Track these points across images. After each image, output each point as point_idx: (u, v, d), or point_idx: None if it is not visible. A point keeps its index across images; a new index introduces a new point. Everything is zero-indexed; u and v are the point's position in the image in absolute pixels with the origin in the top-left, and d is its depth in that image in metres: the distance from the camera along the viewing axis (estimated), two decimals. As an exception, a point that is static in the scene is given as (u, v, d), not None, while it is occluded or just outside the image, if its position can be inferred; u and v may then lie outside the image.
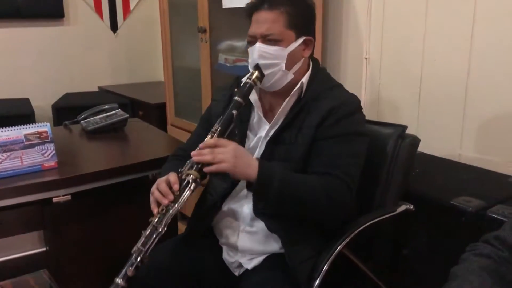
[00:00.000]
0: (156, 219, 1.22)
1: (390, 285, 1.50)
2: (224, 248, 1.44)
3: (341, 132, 1.30)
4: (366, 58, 2.14)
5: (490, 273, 0.92)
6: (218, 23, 2.38)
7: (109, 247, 1.63)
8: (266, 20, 1.33)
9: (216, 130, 1.28)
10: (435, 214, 1.50)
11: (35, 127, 1.55)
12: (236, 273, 1.41)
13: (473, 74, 1.77)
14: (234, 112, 1.30)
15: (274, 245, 1.36)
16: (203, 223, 1.46)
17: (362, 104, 1.45)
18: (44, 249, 1.64)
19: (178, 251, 1.46)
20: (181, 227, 1.97)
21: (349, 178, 1.27)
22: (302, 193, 1.25)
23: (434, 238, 1.54)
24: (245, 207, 1.38)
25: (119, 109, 2.16)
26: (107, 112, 2.15)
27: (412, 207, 1.48)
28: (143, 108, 3.10)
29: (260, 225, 1.35)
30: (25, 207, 1.56)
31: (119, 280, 1.19)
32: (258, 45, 1.33)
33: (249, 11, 1.38)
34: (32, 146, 1.53)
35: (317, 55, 2.19)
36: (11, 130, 1.51)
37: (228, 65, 2.31)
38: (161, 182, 1.26)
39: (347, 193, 1.27)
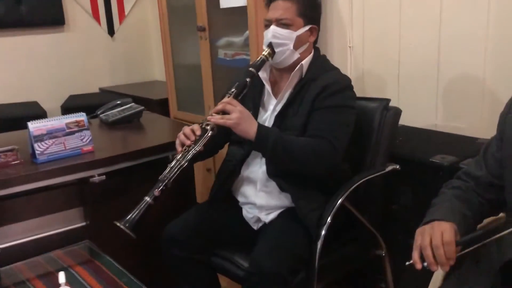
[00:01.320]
0: (180, 155, 1.50)
1: (383, 233, 1.79)
2: (244, 207, 1.71)
3: (332, 104, 1.58)
4: (350, 47, 2.43)
5: (459, 198, 1.21)
6: (216, 22, 2.62)
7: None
8: (281, 7, 1.61)
9: (232, 92, 1.56)
10: (417, 172, 1.79)
11: (73, 117, 1.79)
12: (255, 227, 1.68)
13: (442, 56, 2.06)
14: (248, 79, 1.58)
15: (286, 201, 1.64)
16: (225, 187, 1.73)
17: None
18: (84, 223, 1.88)
19: (204, 213, 1.73)
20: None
21: (336, 141, 1.55)
22: (293, 149, 1.53)
23: (417, 192, 1.83)
24: (260, 171, 1.65)
25: (133, 103, 2.40)
26: (122, 106, 2.39)
27: (398, 167, 1.76)
28: (146, 104, 3.31)
29: (273, 184, 1.63)
30: (68, 186, 1.80)
31: (147, 198, 1.46)
32: (273, 27, 1.61)
33: (268, 1, 1.66)
34: (72, 133, 1.77)
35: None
36: (55, 120, 1.75)
37: (228, 59, 2.56)
38: (186, 128, 1.55)
39: (332, 152, 1.54)
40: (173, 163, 1.50)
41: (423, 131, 2.13)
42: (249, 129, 1.50)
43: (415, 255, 1.09)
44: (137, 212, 1.45)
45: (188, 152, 1.50)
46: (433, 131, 2.12)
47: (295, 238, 1.54)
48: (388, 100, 1.80)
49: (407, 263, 1.11)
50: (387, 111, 1.79)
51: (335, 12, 2.44)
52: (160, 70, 3.83)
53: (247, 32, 2.35)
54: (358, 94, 2.38)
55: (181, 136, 1.54)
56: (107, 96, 3.62)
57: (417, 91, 2.18)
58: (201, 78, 2.76)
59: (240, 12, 2.34)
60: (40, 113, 3.10)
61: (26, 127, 1.84)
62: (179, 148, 1.53)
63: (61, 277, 1.22)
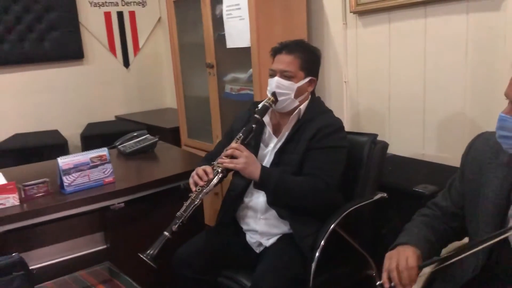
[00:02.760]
0: (194, 194, 1.72)
1: (373, 254, 1.98)
2: (247, 233, 1.92)
3: (326, 145, 1.79)
4: (345, 82, 2.65)
5: (426, 225, 1.41)
6: (223, 59, 2.86)
7: (153, 241, 2.06)
8: (285, 60, 1.83)
9: (240, 137, 1.78)
10: (402, 199, 1.98)
11: (96, 152, 2.02)
12: (257, 251, 1.88)
13: (428, 91, 2.28)
14: (254, 125, 1.80)
15: (284, 228, 1.84)
16: (229, 214, 1.94)
17: (344, 118, 1.94)
18: (105, 246, 2.10)
19: (211, 238, 1.93)
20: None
21: (329, 179, 1.76)
22: (293, 189, 1.74)
23: (404, 218, 2.01)
24: (261, 200, 1.86)
25: (148, 134, 2.64)
26: (138, 138, 2.62)
27: (385, 195, 1.96)
28: (159, 132, 3.55)
29: (273, 213, 1.84)
30: (91, 213, 2.03)
31: (166, 233, 1.68)
32: (277, 78, 1.83)
33: (274, 52, 1.89)
34: (96, 166, 2.00)
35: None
36: (81, 155, 1.98)
37: (234, 93, 2.80)
38: (199, 169, 1.77)
39: (327, 189, 1.75)
40: (188, 201, 1.72)
41: (411, 161, 2.33)
42: (254, 172, 1.72)
43: (384, 276, 1.29)
44: (157, 245, 1.67)
45: (201, 192, 1.72)
46: (420, 160, 2.32)
47: (292, 260, 1.74)
48: (375, 135, 2.01)
49: (377, 283, 1.30)
50: (375, 145, 1.99)
51: (332, 50, 2.68)
52: (171, 98, 4.08)
53: (251, 70, 2.59)
54: (353, 123, 2.63)
55: (194, 176, 1.76)
56: (123, 123, 3.88)
57: (406, 123, 2.40)
58: (210, 109, 2.99)
59: (244, 52, 2.58)
60: (61, 141, 3.37)
61: (49, 153, 2.07)
62: (193, 188, 1.75)
63: (89, 294, 1.42)
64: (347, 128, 2.59)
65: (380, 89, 2.48)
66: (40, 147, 3.22)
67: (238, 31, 2.59)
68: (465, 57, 2.09)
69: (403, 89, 2.38)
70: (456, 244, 1.43)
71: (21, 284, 1.60)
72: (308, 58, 1.85)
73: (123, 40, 4.07)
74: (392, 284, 1.27)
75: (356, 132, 2.10)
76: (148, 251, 1.66)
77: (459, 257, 1.20)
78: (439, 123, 2.26)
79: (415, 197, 1.94)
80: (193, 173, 1.79)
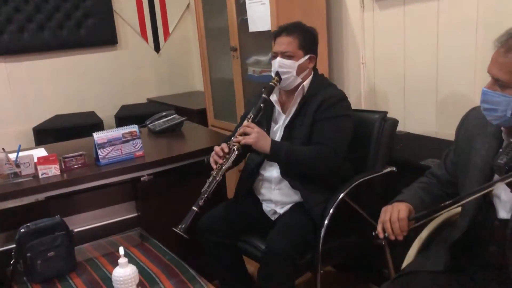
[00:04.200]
0: (215, 172, 1.90)
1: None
2: (263, 202, 2.09)
3: (330, 115, 1.92)
4: (362, 63, 2.75)
5: (422, 189, 1.54)
6: (246, 43, 3.01)
7: (179, 210, 2.09)
8: (285, 42, 1.98)
9: (250, 116, 1.95)
10: (411, 173, 2.09)
11: (127, 128, 2.22)
12: (273, 218, 2.05)
13: (440, 71, 2.36)
14: (262, 104, 1.96)
15: (296, 197, 2.00)
16: (246, 186, 2.12)
17: (362, 97, 2.04)
18: (136, 214, 2.31)
19: (231, 207, 2.12)
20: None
21: (336, 146, 1.90)
22: (302, 157, 1.89)
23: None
24: (274, 172, 2.02)
25: (176, 114, 2.83)
26: (166, 117, 2.81)
27: (394, 169, 2.09)
28: (187, 113, 3.73)
29: (286, 183, 1.99)
30: (123, 184, 2.24)
31: (194, 208, 1.87)
32: (279, 59, 1.98)
33: (274, 36, 2.05)
34: (127, 141, 2.20)
35: (325, 63, 2.82)
36: (113, 131, 2.18)
37: (256, 75, 2.94)
38: (216, 147, 1.95)
39: (334, 156, 1.90)
40: (211, 178, 1.90)
41: (424, 138, 2.43)
42: (265, 145, 1.89)
43: (379, 227, 1.43)
44: (187, 219, 1.86)
45: (221, 169, 1.90)
46: (433, 138, 2.42)
47: (303, 226, 1.90)
48: (386, 112, 2.13)
49: (373, 233, 1.45)
50: (385, 122, 2.11)
51: (350, 32, 2.78)
52: (200, 81, 4.25)
53: (272, 52, 2.72)
54: (370, 103, 2.74)
55: (214, 156, 1.94)
56: (154, 105, 4.09)
57: (420, 102, 2.49)
58: (234, 91, 3.15)
59: (265, 35, 2.71)
60: (97, 122, 3.61)
61: (86, 133, 2.27)
62: (214, 166, 1.93)
63: (121, 250, 1.62)
64: (364, 106, 2.73)
65: (396, 70, 2.57)
66: (78, 127, 3.47)
67: (260, 16, 2.73)
68: (475, 39, 2.17)
69: (417, 69, 2.47)
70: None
71: (63, 242, 1.83)
72: (305, 37, 1.99)
73: (154, 26, 4.27)
74: (386, 234, 1.41)
75: (368, 110, 2.22)
76: (180, 225, 1.85)
77: (447, 210, 1.32)
78: (449, 102, 2.35)
79: (423, 170, 2.02)
80: (212, 153, 1.97)
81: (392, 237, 1.40)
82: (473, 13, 2.15)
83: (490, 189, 1.24)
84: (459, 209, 1.50)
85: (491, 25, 2.10)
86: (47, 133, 3.44)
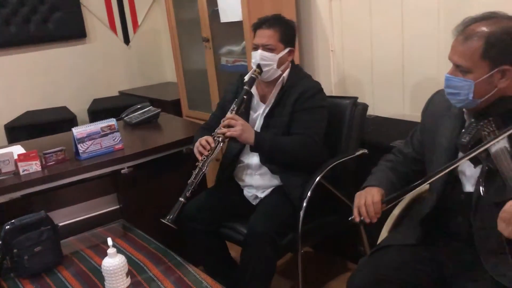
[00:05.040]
0: (201, 163, 1.96)
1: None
2: (244, 188, 2.17)
3: (308, 106, 2.02)
4: (332, 51, 2.85)
5: (390, 169, 1.65)
6: (218, 33, 3.04)
7: (160, 201, 2.15)
8: (266, 35, 2.04)
9: (233, 108, 2.00)
10: (381, 154, 2.20)
11: (105, 122, 2.25)
12: (254, 203, 2.14)
13: (406, 57, 2.47)
14: (245, 96, 2.02)
15: (276, 181, 2.09)
16: (227, 173, 2.19)
17: (332, 84, 2.13)
18: (118, 206, 2.35)
19: (213, 194, 2.19)
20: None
21: (315, 135, 2.00)
22: (285, 148, 1.99)
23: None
24: (255, 159, 2.10)
25: (151, 106, 2.86)
26: (142, 109, 2.84)
27: (366, 151, 2.19)
28: (161, 105, 3.75)
29: (265, 169, 2.08)
30: (104, 177, 2.27)
31: (181, 199, 1.92)
32: (260, 51, 2.04)
33: (255, 27, 2.10)
34: (106, 135, 2.23)
35: (296, 52, 2.87)
36: (91, 125, 2.21)
37: (229, 65, 3.00)
38: (202, 139, 2.00)
39: (314, 145, 2.00)
40: (197, 170, 1.95)
41: (392, 121, 2.55)
42: (249, 137, 1.96)
43: (355, 212, 1.53)
44: (175, 209, 1.91)
45: (207, 160, 1.96)
46: (400, 120, 2.54)
47: (283, 208, 1.99)
48: (356, 98, 2.23)
49: (350, 218, 1.54)
50: (356, 107, 2.22)
51: (319, 21, 2.87)
52: (171, 72, 4.27)
53: (244, 42, 2.78)
54: (340, 89, 2.84)
55: (199, 147, 1.99)
56: (126, 98, 4.09)
57: (387, 87, 2.61)
58: (208, 81, 3.19)
59: (237, 25, 2.77)
60: (70, 117, 3.60)
61: (60, 128, 2.29)
62: (199, 157, 1.98)
63: (109, 241, 1.66)
64: (335, 93, 2.82)
65: (364, 56, 2.67)
66: (50, 123, 3.45)
67: (231, 6, 2.77)
68: (437, 25, 2.29)
69: (384, 56, 2.58)
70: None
71: (49, 236, 1.85)
72: (285, 31, 2.06)
73: (123, 18, 4.24)
74: (362, 217, 1.51)
75: (339, 96, 2.32)
76: (168, 216, 1.91)
77: (415, 189, 1.43)
78: (416, 85, 2.47)
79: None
80: (197, 144, 2.02)
81: (368, 220, 1.50)
82: (435, 0, 2.26)
83: (455, 165, 1.35)
84: (428, 186, 1.61)
85: (451, 12, 2.22)
86: (20, 130, 3.41)
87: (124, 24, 4.26)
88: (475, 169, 1.34)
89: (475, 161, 1.28)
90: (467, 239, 1.40)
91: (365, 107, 2.23)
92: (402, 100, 2.56)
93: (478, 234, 1.36)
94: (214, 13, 2.95)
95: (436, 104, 1.58)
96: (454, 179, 1.44)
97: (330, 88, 2.86)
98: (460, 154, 1.38)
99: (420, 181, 1.42)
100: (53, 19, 3.87)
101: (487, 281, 1.32)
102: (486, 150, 1.22)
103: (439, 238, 1.50)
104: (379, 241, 1.67)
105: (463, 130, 1.38)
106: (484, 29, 1.30)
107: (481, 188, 1.28)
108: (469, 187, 1.41)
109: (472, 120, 1.36)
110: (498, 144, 1.18)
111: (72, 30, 3.98)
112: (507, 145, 1.17)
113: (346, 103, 2.23)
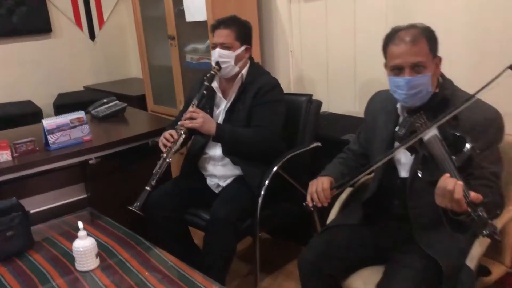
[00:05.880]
0: (165, 154, 2.10)
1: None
2: (208, 177, 2.32)
3: (266, 101, 2.19)
4: (291, 51, 3.04)
5: (341, 163, 1.84)
6: (183, 32, 3.18)
7: (127, 190, 2.20)
8: (223, 34, 2.20)
9: (194, 103, 2.16)
10: (333, 147, 2.38)
11: (74, 114, 2.35)
12: (216, 191, 2.29)
13: (357, 58, 2.68)
14: (204, 91, 2.18)
15: (237, 171, 2.25)
16: (192, 164, 2.34)
17: (291, 82, 2.30)
18: (86, 195, 2.45)
19: (178, 183, 2.33)
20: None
21: (272, 128, 2.17)
22: (243, 138, 2.15)
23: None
24: (217, 150, 2.26)
25: (118, 101, 2.96)
26: (108, 103, 2.94)
27: (320, 144, 2.39)
28: (126, 100, 3.83)
29: (227, 160, 2.24)
30: (73, 167, 2.37)
31: (147, 188, 2.05)
32: (218, 50, 2.20)
33: (213, 28, 2.25)
34: (75, 126, 2.34)
35: (257, 51, 3.06)
36: (61, 117, 2.31)
37: (194, 62, 3.13)
38: (165, 133, 2.15)
39: (271, 136, 2.17)
40: (161, 160, 2.09)
41: (344, 117, 2.76)
42: (210, 128, 2.11)
43: (308, 198, 1.70)
44: (142, 198, 2.05)
45: (170, 151, 2.10)
46: (353, 116, 2.75)
47: (243, 196, 2.15)
48: (311, 95, 2.42)
49: (304, 203, 1.72)
50: (311, 104, 2.41)
51: (279, 22, 3.05)
52: (137, 68, 4.36)
53: (208, 41, 2.93)
54: (298, 87, 3.03)
55: (163, 140, 2.14)
56: (91, 93, 4.15)
57: (341, 86, 2.82)
58: (173, 77, 3.32)
59: (202, 25, 2.91)
60: (36, 110, 3.64)
61: (26, 121, 2.37)
62: (163, 149, 2.12)
63: (80, 224, 1.77)
64: (293, 90, 3.01)
65: (320, 57, 2.87)
66: (16, 116, 3.48)
67: (196, 6, 2.91)
68: (385, 27, 2.49)
69: (338, 56, 2.79)
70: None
71: (20, 222, 1.94)
72: (241, 30, 2.22)
73: (88, 14, 4.29)
74: (314, 203, 1.69)
75: (295, 93, 2.51)
76: (135, 204, 2.04)
77: (359, 177, 1.62)
78: (366, 84, 2.69)
79: (343, 144, 2.34)
80: (161, 137, 2.17)
81: (319, 205, 1.68)
82: (383, 4, 2.48)
83: (393, 154, 1.55)
84: (372, 174, 1.81)
85: (397, 15, 2.44)
86: (-16, 122, 3.42)
87: (90, 20, 4.32)
88: (409, 157, 1.54)
89: (411, 150, 1.47)
90: (403, 218, 1.61)
91: (319, 104, 2.43)
92: (353, 98, 2.77)
93: (412, 213, 1.57)
94: (179, 12, 3.08)
95: (375, 103, 1.79)
96: (391, 167, 1.65)
97: (289, 86, 3.05)
98: (396, 144, 1.58)
99: (362, 169, 1.62)
100: (18, 13, 3.88)
101: (417, 253, 1.53)
102: (420, 139, 1.41)
103: (379, 219, 1.71)
104: (328, 222, 1.86)
105: (399, 124, 1.58)
106: (419, 30, 1.51)
107: (419, 172, 1.47)
108: (404, 173, 1.62)
109: (406, 115, 1.57)
110: (429, 133, 1.38)
111: (38, 25, 4.00)
112: (437, 133, 1.37)
113: (302, 100, 2.42)
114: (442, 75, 1.61)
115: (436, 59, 1.54)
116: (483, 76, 1.36)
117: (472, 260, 1.48)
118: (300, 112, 2.40)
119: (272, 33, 3.10)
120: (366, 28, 2.60)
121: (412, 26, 1.54)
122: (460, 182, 1.21)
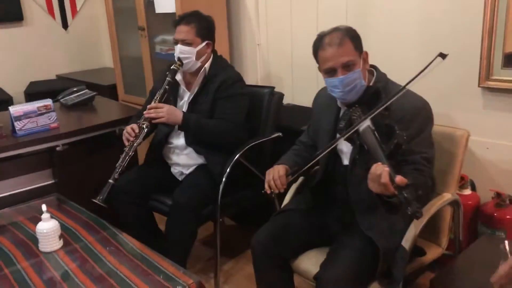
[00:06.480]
0: (128, 148, 2.18)
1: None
2: (172, 166, 2.41)
3: (229, 94, 2.28)
4: (258, 44, 3.13)
5: (293, 154, 1.96)
6: (153, 23, 3.24)
7: (94, 177, 2.30)
8: (183, 30, 2.27)
9: (157, 98, 2.24)
10: (294, 137, 2.49)
11: (42, 102, 2.41)
12: (180, 179, 2.38)
13: (320, 52, 2.80)
14: (167, 86, 2.26)
15: (200, 160, 2.35)
16: (157, 152, 2.43)
17: (258, 74, 2.39)
18: (53, 181, 2.52)
19: (142, 171, 2.42)
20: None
21: (235, 120, 2.27)
22: (208, 128, 2.24)
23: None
24: (181, 140, 2.35)
25: (87, 89, 3.02)
26: (78, 92, 3.00)
27: (280, 134, 2.50)
28: (97, 89, 3.87)
29: (190, 150, 2.33)
30: (40, 153, 2.43)
31: (110, 180, 2.14)
32: (179, 46, 2.28)
33: (175, 24, 2.33)
34: (42, 114, 2.40)
35: (225, 45, 3.15)
36: (28, 105, 2.37)
37: (163, 53, 3.20)
38: (128, 127, 2.23)
39: (233, 129, 2.27)
40: (124, 154, 2.18)
41: (307, 109, 2.87)
42: (176, 118, 2.20)
43: (266, 186, 1.80)
44: (105, 190, 2.13)
45: (133, 146, 2.19)
46: (314, 108, 2.87)
47: (205, 183, 2.25)
48: (273, 87, 2.53)
49: (262, 191, 1.82)
50: (273, 95, 2.51)
51: (247, 17, 3.14)
52: (109, 58, 4.38)
53: (177, 33, 3.00)
54: (265, 80, 3.13)
55: (125, 134, 2.22)
56: (63, 82, 4.17)
57: (304, 78, 2.93)
58: (143, 68, 3.39)
59: (171, 16, 2.97)
60: (6, 97, 3.66)
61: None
62: (126, 143, 2.21)
63: (43, 207, 1.83)
64: (260, 83, 3.11)
65: (285, 50, 2.98)
66: (-14, 102, 3.51)
67: (165, -2, 2.98)
68: (346, 23, 2.61)
69: (302, 50, 2.89)
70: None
71: (-14, 206, 2.01)
72: (202, 25, 2.29)
73: (61, 3, 4.30)
74: (272, 190, 1.79)
75: (258, 85, 2.62)
76: (99, 197, 2.13)
77: (308, 165, 1.74)
78: (328, 78, 2.80)
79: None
80: (124, 131, 2.25)
81: (276, 191, 1.78)
82: (343, 4, 2.59)
83: (335, 144, 1.67)
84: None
85: (357, 11, 2.56)
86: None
87: (63, 9, 4.33)
88: (350, 147, 1.67)
89: (350, 141, 1.59)
90: (346, 203, 1.73)
91: (280, 95, 2.53)
92: (315, 91, 2.87)
93: (353, 198, 1.70)
94: (149, 3, 3.14)
95: (320, 99, 1.92)
96: (335, 156, 1.77)
97: (256, 79, 3.15)
98: (338, 136, 1.69)
99: (310, 157, 1.74)
100: (-11, 0, 3.89)
101: (358, 235, 1.65)
102: (357, 130, 1.53)
103: (325, 204, 1.83)
104: (281, 207, 1.98)
105: (340, 117, 1.70)
106: (342, 32, 1.65)
107: (355, 160, 1.60)
108: (346, 161, 1.74)
109: (346, 108, 1.69)
110: (364, 125, 1.50)
111: (9, 13, 4.00)
112: (370, 124, 1.49)
113: (264, 92, 2.52)
114: (376, 69, 1.74)
115: (363, 54, 1.66)
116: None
117: (407, 241, 1.61)
118: (262, 103, 2.50)
119: (239, 26, 3.19)
120: (328, 24, 2.69)
121: (335, 29, 1.67)
122: (387, 168, 1.33)
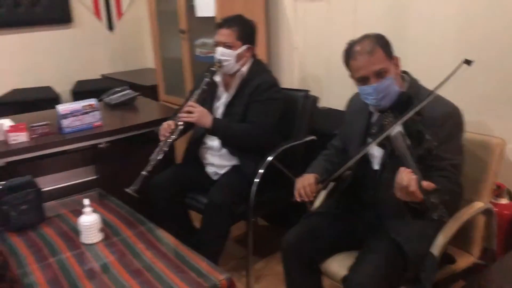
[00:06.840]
0: (162, 143, 2.26)
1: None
2: (207, 166, 2.49)
3: (263, 99, 2.32)
4: (295, 48, 3.17)
5: (324, 160, 1.99)
6: (193, 26, 3.33)
7: (134, 173, 2.30)
8: (225, 33, 2.34)
9: (195, 97, 2.32)
10: (327, 140, 2.51)
11: (87, 101, 2.54)
12: (214, 178, 2.45)
13: (356, 57, 2.81)
14: (205, 86, 2.33)
15: (234, 161, 2.41)
16: (193, 152, 2.51)
17: (295, 78, 2.49)
18: (95, 176, 2.65)
19: (179, 169, 2.51)
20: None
21: (266, 125, 2.31)
22: (237, 134, 2.30)
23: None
24: (216, 142, 2.42)
25: (130, 90, 3.14)
26: (121, 92, 3.12)
27: (314, 137, 2.53)
28: (139, 89, 4.00)
29: (225, 151, 2.40)
30: (84, 150, 2.56)
31: (143, 172, 2.22)
32: (220, 48, 2.35)
33: (217, 27, 2.39)
34: (87, 112, 2.52)
35: (263, 48, 3.19)
36: (75, 103, 2.50)
37: (203, 56, 3.28)
38: (165, 123, 2.32)
39: (264, 133, 2.31)
40: (158, 148, 2.25)
41: (341, 112, 2.86)
42: (206, 122, 2.26)
43: (296, 193, 1.85)
44: (138, 181, 2.21)
45: (167, 141, 2.26)
46: (350, 112, 2.87)
47: (239, 183, 2.31)
48: (308, 91, 2.56)
49: (292, 199, 1.86)
50: (307, 99, 2.55)
51: (285, 21, 3.18)
52: (151, 59, 4.50)
53: (216, 36, 3.07)
54: (302, 83, 3.16)
55: (162, 130, 2.30)
56: (107, 81, 4.34)
57: (340, 82, 2.93)
58: (183, 69, 3.48)
59: (211, 20, 3.05)
60: (54, 96, 3.86)
61: (44, 106, 2.56)
62: (162, 138, 2.28)
63: (86, 201, 1.95)
64: (298, 86, 3.15)
65: (322, 54, 3.00)
66: (36, 100, 3.70)
67: (205, 2, 3.06)
68: (385, 25, 2.60)
69: (339, 54, 2.87)
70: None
71: (34, 198, 2.13)
72: (244, 30, 2.35)
73: (107, 6, 4.48)
74: (301, 198, 1.84)
75: (293, 89, 2.65)
76: (132, 186, 2.21)
77: (338, 172, 1.77)
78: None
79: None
80: (161, 127, 2.33)
81: (306, 199, 1.83)
82: (385, 9, 2.59)
83: (365, 151, 1.69)
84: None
85: (397, 14, 2.54)
86: (7, 106, 3.64)
87: (109, 11, 4.51)
88: (382, 152, 1.68)
89: (381, 145, 1.61)
90: (375, 207, 1.75)
91: (315, 99, 2.57)
92: (351, 94, 2.89)
93: (381, 203, 1.71)
94: (190, 7, 3.24)
95: (354, 103, 1.94)
96: (365, 160, 1.79)
97: (293, 82, 3.19)
98: (369, 140, 1.72)
99: (341, 164, 1.76)
100: (41, 3, 4.09)
101: (387, 240, 1.67)
102: (388, 135, 1.55)
103: (355, 207, 1.85)
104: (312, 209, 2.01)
105: (373, 122, 1.72)
106: (372, 40, 1.66)
107: (385, 164, 1.61)
108: (376, 166, 1.76)
109: (378, 114, 1.71)
110: (395, 130, 1.51)
111: (59, 15, 4.20)
112: (401, 129, 1.51)
113: (299, 95, 2.56)
114: (408, 75, 1.74)
115: (393, 60, 1.67)
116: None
117: (436, 248, 1.61)
118: (296, 106, 2.54)
119: (278, 30, 3.24)
120: (365, 30, 2.70)
121: (365, 37, 1.69)
122: (414, 176, 1.34)
